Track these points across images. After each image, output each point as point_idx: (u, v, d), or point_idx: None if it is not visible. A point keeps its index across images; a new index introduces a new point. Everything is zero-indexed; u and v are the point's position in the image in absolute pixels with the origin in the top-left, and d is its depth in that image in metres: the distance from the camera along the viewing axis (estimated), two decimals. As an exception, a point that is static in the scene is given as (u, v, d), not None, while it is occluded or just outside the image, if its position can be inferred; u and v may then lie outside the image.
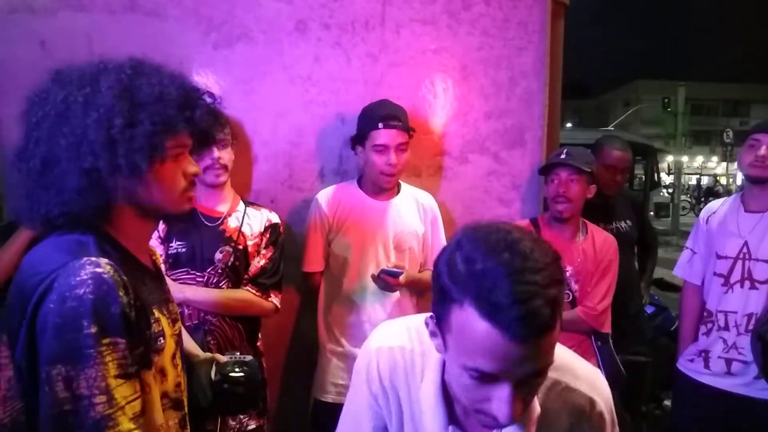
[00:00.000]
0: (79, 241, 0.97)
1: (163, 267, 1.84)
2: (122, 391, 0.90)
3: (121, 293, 0.92)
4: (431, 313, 0.86)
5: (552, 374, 0.87)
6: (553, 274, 0.75)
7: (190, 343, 1.75)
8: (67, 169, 0.95)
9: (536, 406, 0.89)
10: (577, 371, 0.97)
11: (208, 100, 1.10)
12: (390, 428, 1.04)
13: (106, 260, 0.93)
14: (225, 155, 1.89)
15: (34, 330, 0.90)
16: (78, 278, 0.89)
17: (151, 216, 1.07)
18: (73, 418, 0.87)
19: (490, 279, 0.74)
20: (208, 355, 1.67)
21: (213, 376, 1.45)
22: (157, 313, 1.04)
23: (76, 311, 0.88)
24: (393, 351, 1.03)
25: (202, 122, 1.05)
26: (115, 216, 1.02)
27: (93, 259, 0.92)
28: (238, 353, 1.50)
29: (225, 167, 1.90)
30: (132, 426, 0.91)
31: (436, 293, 0.83)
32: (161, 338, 1.04)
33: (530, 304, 0.72)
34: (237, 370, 1.44)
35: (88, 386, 0.87)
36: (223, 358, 1.52)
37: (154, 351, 1.02)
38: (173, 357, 1.09)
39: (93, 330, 0.88)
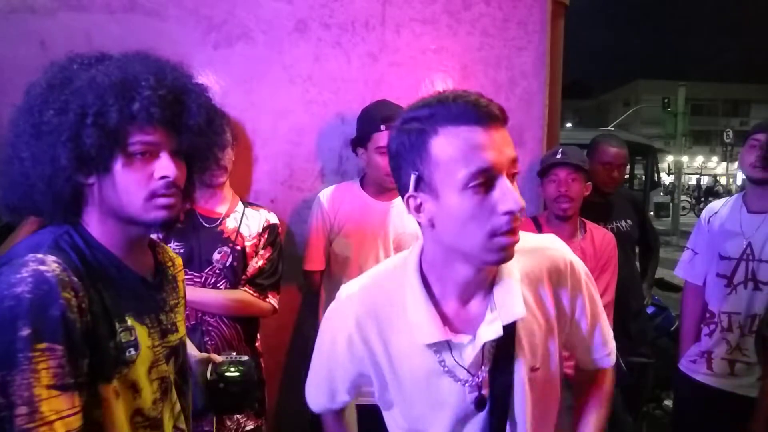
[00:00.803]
0: (40, 237, 0.92)
1: None
2: (54, 403, 0.81)
3: (66, 294, 0.84)
4: (407, 194, 0.93)
5: (519, 246, 0.94)
6: None
7: (187, 343, 1.75)
8: (10, 157, 0.92)
9: (512, 269, 0.99)
10: (536, 238, 1.10)
11: (202, 94, 1.01)
12: (366, 372, 1.06)
13: (53, 258, 0.87)
14: (225, 156, 1.88)
15: None
16: (18, 276, 0.83)
17: (123, 220, 0.96)
18: (9, 426, 0.79)
19: (445, 101, 0.90)
20: (204, 355, 1.67)
21: (209, 375, 1.45)
22: (130, 321, 0.96)
23: (12, 311, 0.81)
24: (364, 291, 1.06)
25: (142, 113, 0.90)
26: (87, 214, 0.97)
27: (39, 255, 0.86)
28: (234, 353, 1.50)
29: (224, 168, 1.90)
30: None
31: (402, 159, 0.92)
32: (131, 349, 0.95)
33: (484, 101, 0.89)
34: (233, 369, 1.44)
35: (16, 394, 0.79)
36: (219, 358, 1.52)
37: (121, 363, 0.93)
38: (149, 372, 0.99)
39: (26, 332, 0.80)
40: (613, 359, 1.18)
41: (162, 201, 0.95)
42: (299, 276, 2.19)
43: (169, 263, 1.16)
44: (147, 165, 0.94)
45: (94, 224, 0.97)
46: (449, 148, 0.87)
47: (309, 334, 2.24)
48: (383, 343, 1.02)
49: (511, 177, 0.90)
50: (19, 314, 0.81)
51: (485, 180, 0.86)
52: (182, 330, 1.13)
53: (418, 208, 0.93)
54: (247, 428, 1.91)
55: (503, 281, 0.98)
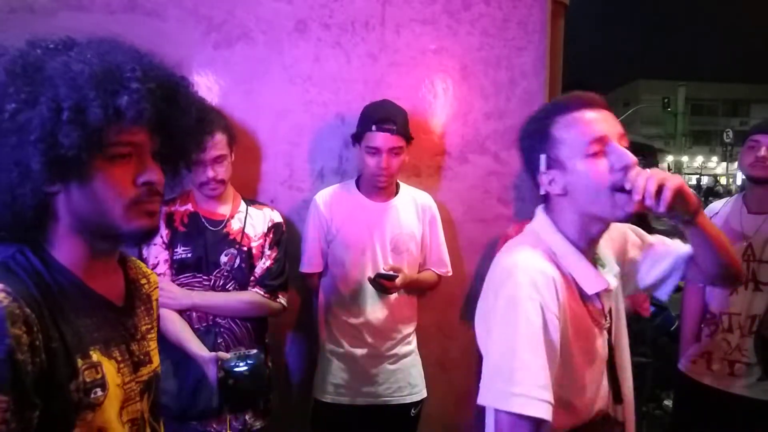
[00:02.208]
0: None
1: (168, 272, 1.85)
2: None
3: (15, 331, 0.70)
4: (540, 173, 1.15)
5: None
6: None
7: (194, 344, 1.75)
8: None
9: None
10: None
11: (191, 90, 0.92)
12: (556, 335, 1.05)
13: (1, 286, 0.73)
14: (221, 171, 1.86)
15: None
16: None
17: (95, 233, 0.83)
18: None
19: (553, 101, 1.23)
20: (213, 354, 1.67)
21: (218, 372, 1.45)
22: (96, 357, 0.82)
23: None
24: (531, 262, 1.10)
25: (130, 109, 0.77)
26: (51, 229, 0.83)
27: None
28: (243, 348, 1.49)
29: (222, 182, 1.88)
30: None
31: (532, 150, 1.17)
32: (98, 389, 0.81)
33: (591, 93, 1.15)
34: (240, 364, 1.43)
35: None
36: (226, 356, 1.52)
37: (85, 406, 0.79)
38: (120, 414, 0.86)
39: None
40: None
41: (146, 208, 0.84)
42: (298, 277, 2.19)
43: (143, 281, 1.02)
44: (128, 168, 0.82)
45: (56, 241, 0.83)
46: (568, 128, 1.11)
47: (309, 334, 2.24)
48: (559, 305, 1.06)
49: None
50: None
51: (601, 147, 1.07)
52: (156, 360, 0.99)
53: (550, 183, 1.14)
54: (255, 428, 1.92)
55: (602, 244, 1.21)
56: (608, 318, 1.19)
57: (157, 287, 1.07)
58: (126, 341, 0.90)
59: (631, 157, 1.05)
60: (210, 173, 1.83)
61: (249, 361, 1.44)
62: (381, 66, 2.27)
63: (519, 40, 2.31)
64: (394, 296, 2.09)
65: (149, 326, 0.98)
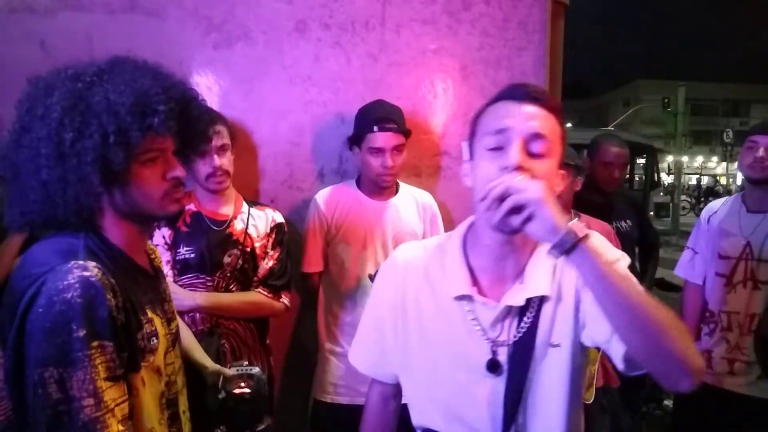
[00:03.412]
0: (68, 244, 0.98)
1: (171, 273, 1.85)
2: (111, 393, 0.91)
3: (109, 296, 0.93)
4: (463, 166, 1.07)
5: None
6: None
7: (198, 353, 1.75)
8: (26, 180, 0.96)
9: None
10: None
11: (200, 100, 1.11)
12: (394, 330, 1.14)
13: (93, 263, 0.94)
14: (225, 161, 1.88)
15: (23, 333, 0.90)
16: (66, 282, 0.90)
17: (136, 219, 1.06)
18: (68, 418, 0.88)
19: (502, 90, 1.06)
20: (216, 367, 1.67)
21: (219, 392, 1.45)
22: (150, 313, 1.05)
23: (65, 315, 0.89)
24: (418, 249, 1.17)
25: (160, 127, 0.99)
26: (102, 218, 1.03)
27: (80, 262, 0.93)
28: (246, 363, 1.49)
29: (227, 173, 1.90)
30: (121, 428, 0.92)
31: (469, 132, 1.08)
32: (154, 338, 1.04)
33: (531, 86, 1.04)
34: (242, 385, 1.43)
35: (79, 388, 0.88)
36: (229, 372, 1.52)
37: (148, 351, 1.02)
38: (165, 355, 1.09)
39: (82, 333, 0.89)
40: None
41: (175, 196, 1.06)
42: (298, 276, 2.19)
43: (153, 255, 1.23)
44: (158, 168, 1.03)
45: (109, 227, 1.04)
46: (483, 117, 1.04)
47: (309, 334, 2.24)
48: (417, 294, 1.11)
49: (536, 153, 0.97)
50: (72, 317, 0.89)
51: (500, 143, 0.97)
52: (177, 318, 1.22)
53: (466, 174, 1.06)
54: (259, 428, 1.92)
55: (536, 261, 1.05)
56: (507, 333, 1.03)
57: (161, 261, 1.29)
58: (161, 302, 1.12)
59: (513, 159, 0.94)
60: (216, 162, 1.84)
61: (251, 383, 1.44)
62: (381, 66, 2.27)
63: (519, 40, 2.31)
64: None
65: (168, 291, 1.22)
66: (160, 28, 2.13)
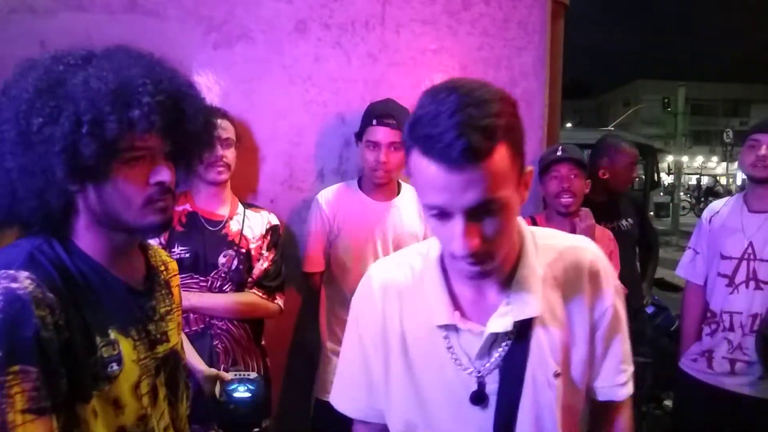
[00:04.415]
0: (12, 250, 0.86)
1: None
2: (30, 429, 0.76)
3: (39, 313, 0.79)
4: None
5: (548, 242, 0.98)
6: (490, 107, 0.79)
7: (193, 357, 1.74)
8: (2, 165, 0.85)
9: (535, 267, 0.94)
10: (571, 239, 1.03)
11: (198, 97, 0.98)
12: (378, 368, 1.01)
13: (27, 274, 0.81)
14: (229, 154, 1.89)
15: None
16: None
17: (112, 227, 0.92)
18: None
19: (428, 118, 0.80)
20: (213, 371, 1.67)
21: (218, 395, 1.45)
22: (113, 335, 0.91)
23: None
24: (393, 268, 1.05)
25: (142, 121, 0.86)
26: (75, 222, 0.92)
27: (10, 272, 0.81)
28: (243, 369, 1.49)
29: (228, 166, 1.90)
30: None
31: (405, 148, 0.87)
32: (114, 364, 0.89)
33: (460, 133, 0.76)
34: (242, 389, 1.43)
35: None
36: (228, 376, 1.51)
37: (102, 379, 0.88)
38: (136, 387, 0.93)
39: None
40: (627, 392, 1.03)
41: (158, 205, 0.92)
42: (299, 277, 2.19)
43: (162, 267, 1.11)
44: (141, 170, 0.90)
45: (80, 233, 0.92)
46: (416, 171, 0.83)
47: (310, 334, 2.24)
48: (399, 321, 1.00)
49: (481, 213, 0.82)
50: None
51: (442, 212, 0.82)
52: (174, 339, 1.07)
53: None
54: (255, 429, 1.91)
55: (523, 277, 0.93)
56: (489, 362, 0.92)
57: (176, 274, 1.16)
58: (143, 322, 0.98)
59: (461, 251, 0.82)
60: (219, 151, 1.84)
61: (251, 387, 1.44)
62: (381, 66, 2.27)
63: (519, 40, 2.31)
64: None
65: (168, 309, 1.07)
66: (160, 28, 2.13)
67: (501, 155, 0.80)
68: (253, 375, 1.46)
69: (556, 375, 0.93)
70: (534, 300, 0.92)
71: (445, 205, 0.81)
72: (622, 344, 1.02)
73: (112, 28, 2.09)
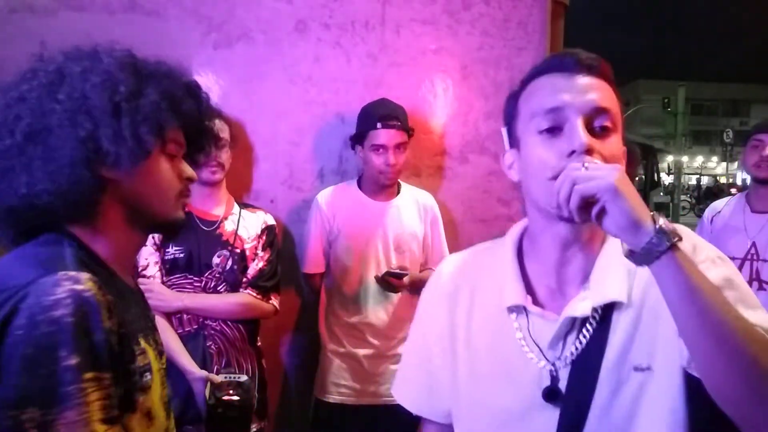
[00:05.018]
0: (52, 251, 0.80)
1: (158, 274, 1.83)
2: None
3: (105, 316, 0.75)
4: (506, 157, 0.92)
5: None
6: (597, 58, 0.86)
7: (185, 358, 1.74)
8: (59, 139, 0.79)
9: (618, 253, 0.78)
10: None
11: (209, 101, 1.01)
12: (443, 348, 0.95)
13: (88, 275, 0.76)
14: (222, 154, 1.88)
15: None
16: (53, 297, 0.72)
17: (141, 222, 0.90)
18: None
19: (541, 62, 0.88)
20: (203, 373, 1.66)
21: (207, 398, 1.45)
22: (143, 343, 0.86)
23: (51, 338, 0.70)
24: (464, 260, 1.02)
25: (206, 115, 0.96)
26: (102, 219, 0.85)
27: (71, 273, 0.75)
28: (234, 370, 1.48)
29: (221, 166, 1.89)
30: None
31: (505, 116, 0.91)
32: (147, 373, 0.85)
33: (580, 53, 0.84)
34: (231, 392, 1.43)
35: None
36: (217, 379, 1.51)
37: (139, 389, 0.83)
38: (161, 397, 0.90)
39: (73, 361, 0.70)
40: None
41: (184, 201, 0.94)
42: (298, 277, 2.19)
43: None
44: (176, 165, 0.93)
45: (99, 234, 0.86)
46: (528, 96, 0.86)
47: (309, 334, 2.24)
48: (468, 312, 0.94)
49: (599, 129, 0.80)
50: (61, 341, 0.70)
51: (556, 123, 0.81)
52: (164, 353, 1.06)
53: (510, 167, 0.91)
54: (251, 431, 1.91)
55: (606, 262, 0.85)
56: (563, 353, 0.84)
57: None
58: (152, 331, 0.94)
59: (581, 140, 0.77)
60: (212, 151, 1.82)
61: (240, 390, 1.43)
62: (381, 66, 2.27)
63: (519, 40, 2.31)
64: (395, 297, 2.09)
65: (154, 320, 1.05)
66: (160, 28, 2.13)
67: (609, 88, 0.84)
68: (244, 378, 1.46)
69: (641, 369, 0.81)
70: (616, 284, 0.82)
71: (565, 106, 0.80)
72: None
73: (112, 28, 2.09)
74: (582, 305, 0.83)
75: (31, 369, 0.70)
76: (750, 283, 2.08)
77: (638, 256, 0.71)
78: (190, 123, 0.94)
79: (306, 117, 2.26)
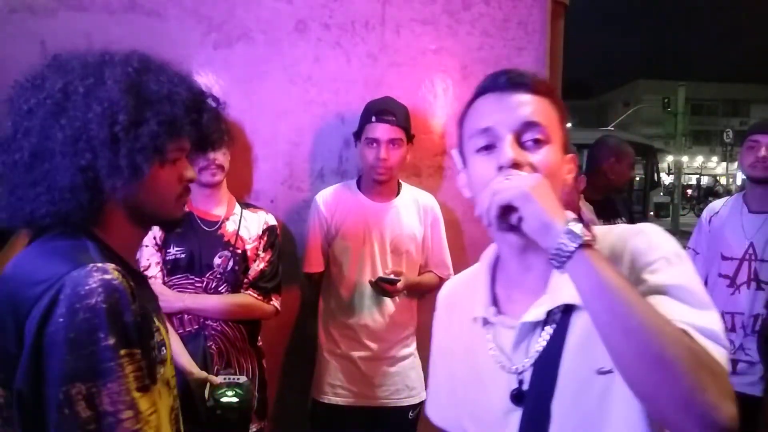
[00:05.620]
0: (76, 246, 0.90)
1: (160, 274, 1.84)
2: (143, 404, 0.85)
3: (131, 299, 0.87)
4: (459, 177, 0.96)
5: (600, 229, 0.88)
6: (530, 75, 0.90)
7: (185, 358, 1.74)
8: (60, 165, 0.87)
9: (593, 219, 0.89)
10: (624, 227, 0.94)
11: (214, 104, 1.06)
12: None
13: (112, 265, 0.87)
14: (221, 156, 1.87)
15: (40, 350, 0.82)
16: (87, 287, 0.83)
17: (143, 222, 1.01)
18: None
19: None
20: (203, 374, 1.66)
21: (206, 399, 1.44)
22: (157, 322, 0.98)
23: (90, 323, 0.82)
24: (456, 280, 1.10)
25: (208, 126, 1.00)
26: (107, 219, 0.95)
27: (99, 265, 0.86)
28: (232, 372, 1.48)
29: (221, 167, 1.89)
30: None
31: (457, 138, 0.96)
32: (163, 348, 0.97)
33: (511, 72, 0.89)
34: (230, 394, 1.43)
35: (112, 402, 0.82)
36: (216, 380, 1.51)
37: (159, 362, 0.95)
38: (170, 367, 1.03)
39: (111, 341, 0.83)
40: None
41: (184, 200, 1.03)
42: (298, 276, 2.19)
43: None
44: (177, 169, 0.99)
45: (108, 229, 0.96)
46: (468, 118, 0.92)
47: (309, 335, 2.24)
48: (458, 331, 0.99)
49: (531, 143, 0.84)
50: (98, 325, 0.82)
51: (490, 141, 0.86)
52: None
53: (464, 185, 0.94)
54: (250, 431, 1.91)
55: None
56: (527, 356, 0.86)
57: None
58: (160, 311, 1.04)
59: (507, 155, 0.82)
60: (211, 155, 1.82)
61: (239, 391, 1.43)
62: (381, 66, 2.27)
63: (519, 40, 2.31)
64: (393, 299, 2.08)
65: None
66: (160, 28, 2.13)
67: (543, 102, 0.87)
68: (243, 379, 1.46)
69: (604, 372, 0.79)
70: (572, 287, 0.78)
71: (495, 125, 0.85)
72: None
73: (112, 28, 2.09)
74: (537, 310, 0.86)
75: (75, 350, 0.81)
76: (748, 283, 2.08)
77: (553, 258, 0.75)
78: (193, 135, 1.00)
79: (306, 117, 2.26)
